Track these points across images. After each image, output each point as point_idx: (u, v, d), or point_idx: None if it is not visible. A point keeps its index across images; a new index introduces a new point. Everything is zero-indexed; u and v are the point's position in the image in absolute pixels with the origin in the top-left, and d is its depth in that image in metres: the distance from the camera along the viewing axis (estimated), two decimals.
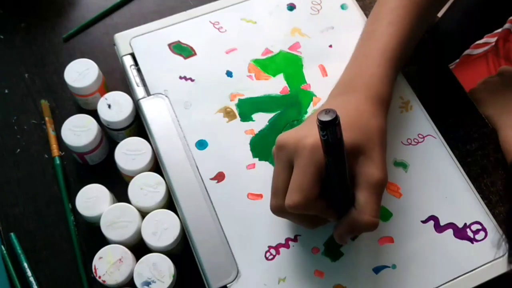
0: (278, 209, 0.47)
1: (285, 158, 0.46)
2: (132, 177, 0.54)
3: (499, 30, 0.81)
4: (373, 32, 0.54)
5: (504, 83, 0.65)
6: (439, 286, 0.51)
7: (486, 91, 0.66)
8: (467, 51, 0.84)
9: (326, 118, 0.39)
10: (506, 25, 0.80)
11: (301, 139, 0.45)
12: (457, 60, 0.84)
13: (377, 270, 0.51)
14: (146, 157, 0.55)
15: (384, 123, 0.49)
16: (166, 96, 0.58)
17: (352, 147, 0.46)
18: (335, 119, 0.40)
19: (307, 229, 0.50)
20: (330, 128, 0.40)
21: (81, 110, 0.62)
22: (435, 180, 0.55)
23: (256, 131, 0.56)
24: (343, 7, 0.63)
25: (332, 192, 0.46)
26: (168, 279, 0.50)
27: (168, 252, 0.52)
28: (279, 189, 0.46)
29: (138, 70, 0.59)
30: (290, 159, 0.46)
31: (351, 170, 0.46)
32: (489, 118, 0.63)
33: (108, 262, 0.51)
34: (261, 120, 0.57)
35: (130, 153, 0.55)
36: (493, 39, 0.81)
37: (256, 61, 0.60)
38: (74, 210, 0.56)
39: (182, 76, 0.59)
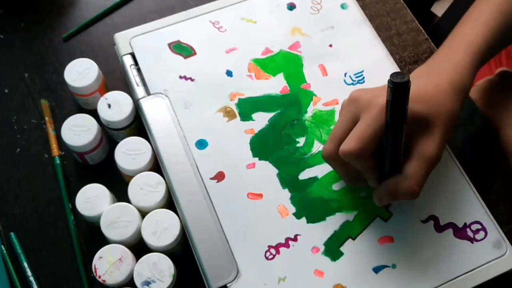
0: (330, 154, 0.49)
1: (354, 110, 0.48)
2: (132, 177, 0.54)
3: None
4: (457, 34, 0.54)
5: (503, 84, 0.65)
6: (439, 286, 0.51)
7: (485, 91, 0.66)
8: None
9: (398, 79, 0.40)
10: None
11: (375, 97, 0.47)
12: None
13: (377, 269, 0.51)
14: (146, 157, 0.55)
15: (458, 109, 0.50)
16: (166, 96, 0.58)
17: (419, 118, 0.47)
18: (407, 83, 0.41)
19: (346, 182, 0.52)
20: (399, 90, 0.41)
21: (81, 109, 0.62)
22: (435, 179, 0.55)
23: (256, 130, 0.56)
24: (343, 6, 0.63)
25: (382, 155, 0.47)
26: (168, 279, 0.50)
27: (168, 251, 0.52)
28: (337, 136, 0.48)
29: (138, 70, 0.59)
30: (358, 113, 0.48)
31: (409, 141, 0.47)
32: (489, 117, 0.63)
33: (108, 262, 0.51)
34: (261, 119, 0.57)
35: (130, 153, 0.55)
36: None
37: (256, 61, 0.60)
38: (74, 209, 0.56)
39: (182, 75, 0.59)
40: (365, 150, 0.46)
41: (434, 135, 0.47)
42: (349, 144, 0.46)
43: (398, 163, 0.48)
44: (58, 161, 0.59)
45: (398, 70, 0.60)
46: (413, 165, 0.47)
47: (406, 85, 0.41)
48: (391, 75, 0.41)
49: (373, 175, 0.49)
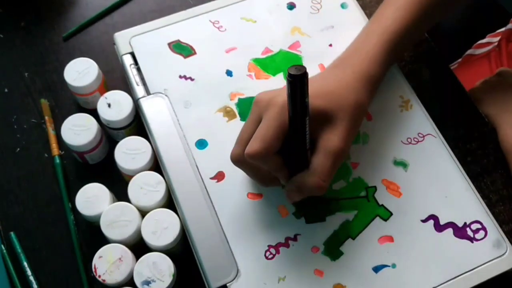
0: (238, 158, 0.49)
1: (257, 112, 0.48)
2: (132, 176, 0.54)
3: (502, 29, 0.81)
4: (380, 14, 0.55)
5: (503, 84, 0.65)
6: (439, 285, 0.51)
7: (485, 91, 0.66)
8: (469, 51, 0.83)
9: (295, 72, 0.42)
10: (509, 25, 0.79)
11: (275, 96, 0.48)
12: (459, 60, 0.84)
13: (376, 269, 0.51)
14: (146, 156, 0.55)
15: (364, 100, 0.51)
16: (166, 95, 0.58)
17: (320, 113, 0.48)
18: (303, 75, 0.42)
19: (259, 185, 0.52)
20: (296, 82, 0.42)
21: (81, 109, 0.62)
22: (435, 179, 0.55)
23: None
24: (343, 6, 0.63)
25: (289, 152, 0.47)
26: (168, 278, 0.50)
27: (168, 251, 0.52)
28: (243, 139, 0.48)
29: (138, 69, 0.59)
30: (261, 114, 0.48)
31: (314, 136, 0.48)
32: (489, 117, 0.63)
33: (108, 261, 0.51)
34: None
35: (130, 152, 0.55)
36: (496, 39, 0.81)
37: (256, 60, 0.60)
38: (74, 209, 0.56)
39: (182, 75, 0.59)
40: (269, 150, 0.46)
41: (337, 128, 0.48)
42: (253, 145, 0.46)
43: (305, 159, 0.48)
44: (58, 161, 0.59)
45: (398, 69, 0.60)
46: (318, 159, 0.47)
47: (303, 77, 0.42)
48: (289, 69, 0.42)
49: (282, 173, 0.49)
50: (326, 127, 0.48)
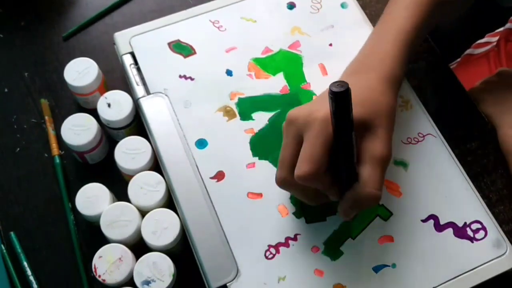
0: (284, 181, 0.48)
1: (295, 131, 0.47)
2: (132, 176, 0.54)
3: (501, 29, 0.81)
4: (389, 14, 0.55)
5: (503, 84, 0.65)
6: (439, 285, 0.51)
7: (485, 91, 0.66)
8: (468, 51, 0.83)
9: (338, 89, 0.40)
10: (508, 25, 0.79)
11: (312, 112, 0.46)
12: (458, 60, 0.84)
13: (377, 269, 0.51)
14: (146, 156, 0.55)
15: (394, 102, 0.50)
16: (166, 95, 0.58)
17: (360, 123, 0.47)
18: (347, 91, 0.40)
19: (308, 203, 0.50)
20: (340, 99, 0.41)
21: (81, 109, 0.62)
22: (435, 179, 0.55)
23: (256, 130, 0.56)
24: (343, 5, 0.63)
25: (338, 168, 0.47)
26: (168, 278, 0.50)
27: (168, 251, 0.52)
28: (286, 162, 0.47)
29: (138, 69, 0.59)
30: (300, 132, 0.47)
31: (357, 146, 0.47)
32: (489, 117, 0.63)
33: (108, 261, 0.51)
34: (261, 119, 0.57)
35: (130, 152, 0.55)
36: (495, 39, 0.81)
37: (256, 60, 0.60)
38: (74, 209, 0.56)
39: (182, 75, 0.59)
40: (320, 169, 0.45)
41: (378, 135, 0.47)
42: (303, 168, 0.45)
43: (354, 172, 0.47)
44: (58, 161, 0.59)
45: None
46: (367, 170, 0.46)
47: (347, 93, 0.41)
48: (330, 85, 0.41)
49: (333, 190, 0.48)
50: (367, 135, 0.47)
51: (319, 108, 0.46)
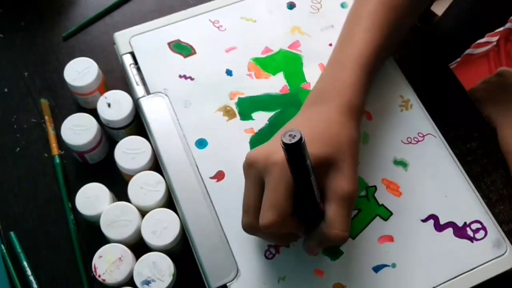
0: (250, 227, 0.46)
1: (255, 175, 0.46)
2: (132, 176, 0.54)
3: (501, 29, 0.81)
4: (349, 37, 0.53)
5: (503, 84, 0.65)
6: (439, 285, 0.51)
7: (485, 91, 0.66)
8: (468, 51, 0.83)
9: (289, 140, 0.39)
10: (508, 25, 0.80)
11: (271, 155, 0.45)
12: (458, 60, 0.84)
13: (376, 269, 0.51)
14: (145, 156, 0.55)
15: (355, 134, 0.48)
16: (166, 95, 0.58)
17: (321, 160, 0.45)
18: (300, 141, 0.39)
19: (279, 245, 0.51)
20: (293, 150, 0.40)
21: (80, 109, 0.62)
22: (435, 179, 0.55)
23: (256, 130, 0.56)
24: (343, 5, 0.63)
25: (302, 208, 0.46)
26: (168, 278, 0.50)
27: (168, 251, 0.52)
28: (250, 207, 0.46)
29: (138, 69, 0.59)
30: (260, 176, 0.45)
31: (321, 183, 0.46)
32: (489, 117, 0.63)
33: (108, 261, 0.51)
34: (260, 119, 0.57)
35: (130, 152, 0.55)
36: (495, 38, 0.81)
37: (256, 60, 0.60)
38: (74, 209, 0.56)
39: (182, 74, 0.59)
40: (284, 216, 0.44)
41: (342, 171, 0.45)
42: (267, 215, 0.44)
43: (318, 211, 0.46)
44: (58, 160, 0.59)
45: (398, 69, 0.60)
46: (333, 209, 0.45)
47: (299, 144, 0.39)
48: (282, 136, 0.39)
49: (300, 231, 0.47)
50: (330, 172, 0.46)
51: (277, 150, 0.43)
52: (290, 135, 0.39)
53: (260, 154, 0.46)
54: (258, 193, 0.46)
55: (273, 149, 0.45)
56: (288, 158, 0.41)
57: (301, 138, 0.39)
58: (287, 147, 0.39)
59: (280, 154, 0.43)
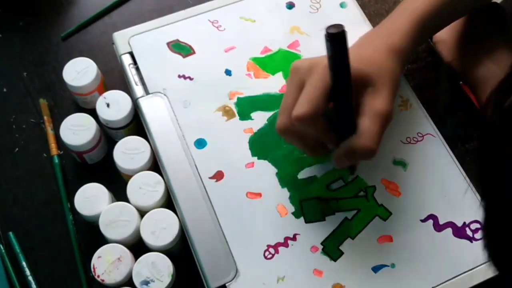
0: (285, 127, 0.48)
1: (298, 79, 0.48)
2: (131, 176, 0.54)
3: None
4: (407, 1, 0.55)
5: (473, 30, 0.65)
6: (438, 285, 0.50)
7: (448, 33, 0.66)
8: None
9: (333, 30, 0.41)
10: None
11: (316, 63, 0.47)
12: None
13: (376, 269, 0.51)
14: (145, 156, 0.55)
15: (398, 71, 0.51)
16: (165, 95, 0.58)
17: (363, 77, 0.47)
18: (342, 32, 0.41)
19: (307, 154, 0.51)
20: (337, 40, 0.42)
21: (79, 109, 0.62)
22: (434, 179, 0.55)
23: (255, 129, 0.56)
24: (342, 5, 0.63)
25: (335, 116, 0.47)
26: (167, 278, 0.50)
27: (167, 251, 0.52)
28: (287, 108, 0.48)
29: (137, 69, 0.59)
30: (303, 80, 0.47)
31: (358, 100, 0.48)
32: (454, 62, 0.64)
33: (107, 261, 0.51)
34: (260, 118, 0.57)
35: (129, 152, 0.55)
36: None
37: (255, 59, 0.60)
38: (72, 209, 0.56)
39: (181, 74, 0.59)
40: (316, 111, 0.46)
41: (381, 92, 0.48)
42: (300, 108, 0.46)
43: (351, 122, 0.47)
44: (56, 160, 0.59)
45: None
46: (366, 123, 0.47)
47: (342, 35, 0.41)
48: (327, 28, 0.41)
49: (330, 138, 0.49)
50: (370, 90, 0.48)
51: (324, 59, 0.46)
52: (334, 26, 0.41)
53: (305, 61, 0.49)
54: (297, 95, 0.47)
55: (320, 58, 0.47)
56: (331, 51, 0.43)
57: (344, 30, 0.41)
58: (330, 37, 0.41)
59: (323, 63, 0.46)
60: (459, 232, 0.53)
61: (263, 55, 0.60)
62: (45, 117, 0.61)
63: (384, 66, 0.49)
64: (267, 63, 0.60)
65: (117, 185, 0.57)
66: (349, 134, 0.47)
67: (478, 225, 0.53)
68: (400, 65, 0.52)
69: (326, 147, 0.51)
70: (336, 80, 0.45)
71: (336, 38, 0.41)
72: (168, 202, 0.55)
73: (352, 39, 0.57)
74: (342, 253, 0.51)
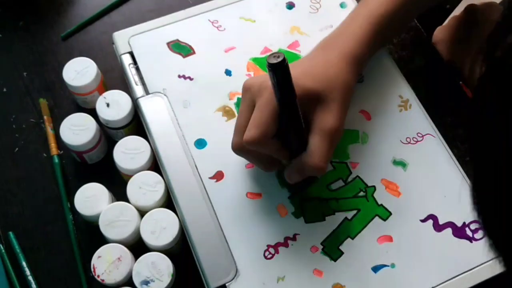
0: (238, 147, 0.50)
1: (249, 98, 0.49)
2: (131, 176, 0.54)
3: None
4: (365, 2, 0.55)
5: (469, 20, 0.65)
6: (437, 285, 0.50)
7: (452, 28, 0.66)
8: None
9: (274, 60, 0.42)
10: None
11: (264, 81, 0.48)
12: None
13: (376, 269, 0.51)
14: (145, 156, 0.55)
15: (352, 81, 0.51)
16: (165, 95, 0.58)
17: (312, 93, 0.48)
18: (283, 61, 0.42)
19: (262, 169, 0.52)
20: (277, 69, 0.43)
21: (79, 108, 0.62)
22: (434, 179, 0.55)
23: None
24: (342, 5, 0.63)
25: (285, 134, 0.48)
26: (167, 278, 0.50)
27: (167, 251, 0.52)
28: (241, 127, 0.49)
29: (137, 69, 0.59)
30: (253, 100, 0.49)
31: (307, 117, 0.49)
32: (451, 58, 0.63)
33: (107, 261, 0.51)
34: None
35: (128, 152, 0.55)
36: None
37: (255, 60, 0.60)
38: (72, 209, 0.56)
39: (181, 74, 0.59)
40: (265, 135, 0.47)
41: (330, 108, 0.48)
42: (250, 132, 0.47)
43: (302, 139, 0.48)
44: (56, 160, 0.59)
45: (397, 69, 0.60)
46: (315, 140, 0.48)
47: (283, 64, 0.42)
48: (268, 57, 0.42)
49: (282, 154, 0.50)
50: (319, 107, 0.48)
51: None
52: (274, 56, 0.42)
53: (255, 80, 0.49)
54: (249, 115, 0.48)
55: (267, 80, 0.48)
56: (273, 78, 0.44)
57: (284, 59, 0.42)
58: (271, 67, 0.42)
59: (271, 86, 0.46)
60: (459, 232, 0.53)
61: (263, 55, 0.60)
62: (45, 117, 0.61)
63: (336, 79, 0.50)
64: None
65: (117, 185, 0.57)
66: (301, 151, 0.48)
67: (478, 225, 0.53)
68: (354, 72, 0.52)
69: (280, 162, 0.51)
70: (282, 105, 0.46)
71: (277, 67, 0.42)
72: (168, 202, 0.55)
73: None
74: (342, 253, 0.51)
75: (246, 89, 0.50)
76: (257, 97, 0.48)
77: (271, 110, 0.47)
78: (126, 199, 0.54)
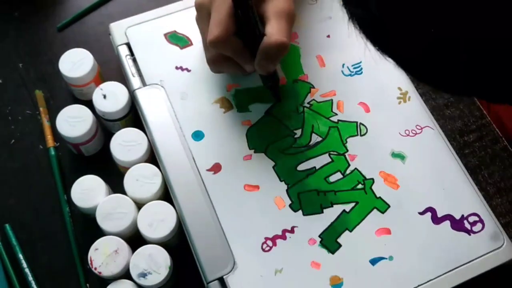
0: (210, 58, 0.53)
1: (204, 13, 0.51)
2: (128, 168, 0.54)
3: None
4: None
5: None
6: (435, 278, 0.50)
7: None
8: None
9: None
10: None
11: None
12: None
13: (374, 261, 0.51)
14: (142, 148, 0.55)
15: None
16: (162, 87, 0.57)
17: None
18: None
19: (245, 70, 0.53)
20: None
21: (76, 100, 0.61)
22: (432, 171, 0.55)
23: (253, 121, 0.56)
24: None
25: (245, 32, 0.50)
26: (164, 271, 0.50)
27: (164, 243, 0.52)
28: (206, 42, 0.51)
29: (134, 60, 0.59)
30: (209, 12, 0.50)
31: (262, 9, 0.50)
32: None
33: (104, 254, 0.51)
34: (257, 110, 0.57)
35: (125, 144, 0.55)
36: None
37: None
38: (69, 201, 0.55)
39: (178, 66, 0.58)
40: (227, 32, 0.49)
41: None
42: (212, 32, 0.49)
43: (260, 34, 0.49)
44: (53, 152, 0.58)
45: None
46: (272, 23, 0.49)
47: None
48: None
49: (245, 54, 0.51)
50: None
51: None
52: None
53: None
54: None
55: None
56: None
57: None
58: None
59: None
60: (457, 224, 0.53)
61: None
62: (41, 109, 0.60)
63: None
64: None
65: (114, 177, 0.56)
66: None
67: (476, 218, 0.53)
68: None
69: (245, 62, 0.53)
70: (237, 2, 0.48)
71: None
72: (165, 194, 0.55)
73: (350, 31, 0.57)
74: (340, 245, 0.51)
75: (199, 5, 0.51)
76: (211, 5, 0.50)
77: (227, 9, 0.48)
78: (123, 192, 0.53)
